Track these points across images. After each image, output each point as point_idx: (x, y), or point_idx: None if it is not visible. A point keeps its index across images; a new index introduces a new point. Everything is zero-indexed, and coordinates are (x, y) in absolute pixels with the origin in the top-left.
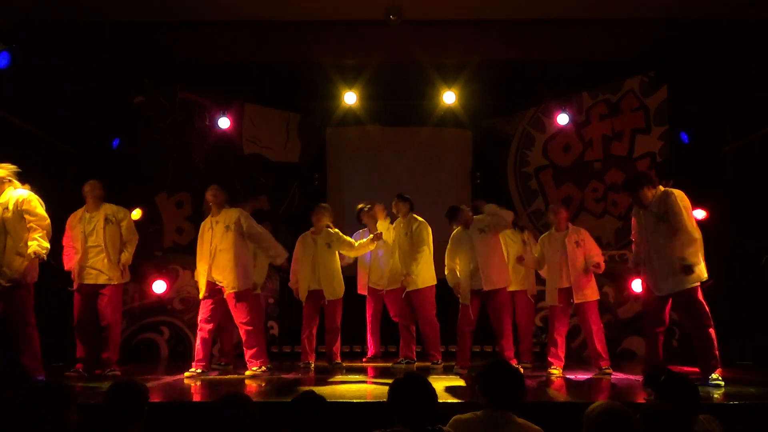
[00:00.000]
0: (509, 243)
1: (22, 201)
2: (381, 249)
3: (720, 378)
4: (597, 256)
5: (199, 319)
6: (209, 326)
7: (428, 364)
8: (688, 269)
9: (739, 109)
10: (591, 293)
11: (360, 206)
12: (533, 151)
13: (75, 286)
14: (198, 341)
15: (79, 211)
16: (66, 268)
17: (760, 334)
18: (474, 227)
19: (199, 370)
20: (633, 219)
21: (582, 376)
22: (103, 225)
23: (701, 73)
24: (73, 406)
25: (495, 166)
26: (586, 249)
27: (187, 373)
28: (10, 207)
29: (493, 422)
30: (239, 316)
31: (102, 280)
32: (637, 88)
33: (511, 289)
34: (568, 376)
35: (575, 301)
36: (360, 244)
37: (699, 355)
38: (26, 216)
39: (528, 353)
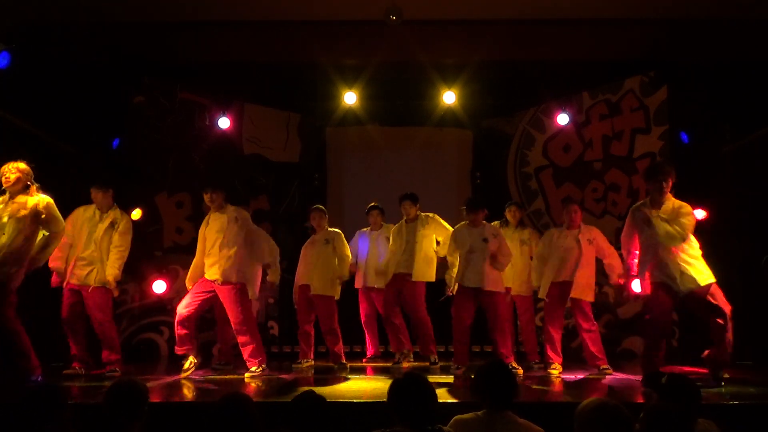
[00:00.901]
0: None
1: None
2: (382, 252)
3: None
4: (611, 257)
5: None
6: (186, 312)
7: (426, 364)
8: None
9: (739, 109)
10: (588, 293)
11: (373, 205)
12: (533, 151)
13: (64, 284)
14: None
15: (89, 208)
16: (49, 265)
17: (760, 334)
18: (479, 231)
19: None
20: (633, 221)
21: (582, 376)
22: (107, 228)
23: (701, 73)
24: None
25: (495, 166)
26: (599, 248)
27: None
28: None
29: (493, 422)
30: (234, 314)
31: (86, 281)
32: (637, 88)
33: (514, 291)
34: (567, 376)
35: (571, 295)
36: (349, 258)
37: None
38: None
39: (535, 353)
